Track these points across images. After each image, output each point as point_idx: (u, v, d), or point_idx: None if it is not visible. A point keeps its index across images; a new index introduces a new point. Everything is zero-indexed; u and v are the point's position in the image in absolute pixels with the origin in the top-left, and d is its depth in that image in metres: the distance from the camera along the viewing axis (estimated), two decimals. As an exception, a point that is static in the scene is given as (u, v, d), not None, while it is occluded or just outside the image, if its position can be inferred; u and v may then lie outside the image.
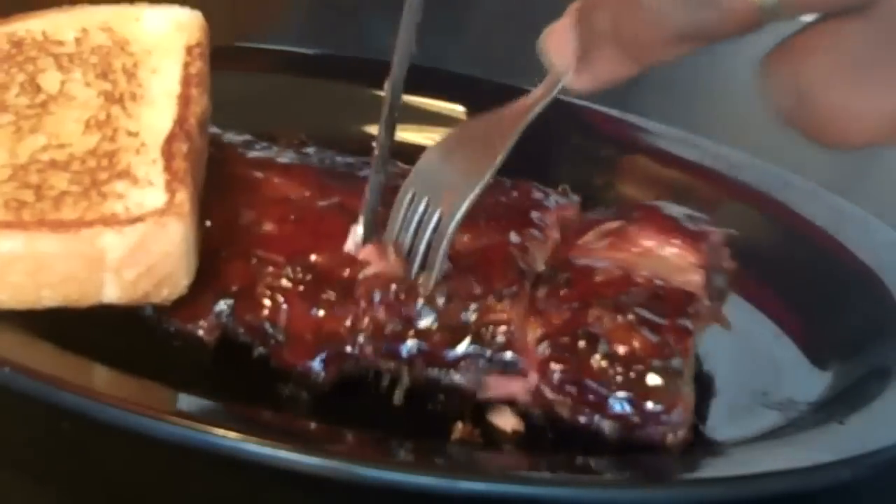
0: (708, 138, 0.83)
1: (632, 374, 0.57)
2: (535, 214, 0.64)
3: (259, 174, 0.65)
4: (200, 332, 0.60)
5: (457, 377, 0.59)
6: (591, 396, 0.57)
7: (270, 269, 0.60)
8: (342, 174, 0.66)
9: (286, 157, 0.67)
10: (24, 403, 0.53)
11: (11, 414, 0.56)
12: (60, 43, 0.64)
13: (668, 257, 0.63)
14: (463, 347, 0.58)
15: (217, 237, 0.61)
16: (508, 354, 0.58)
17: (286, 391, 0.59)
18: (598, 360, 0.57)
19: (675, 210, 0.66)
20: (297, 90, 0.82)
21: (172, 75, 0.63)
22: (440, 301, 0.59)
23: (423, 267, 0.59)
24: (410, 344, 0.59)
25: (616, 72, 0.53)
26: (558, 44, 0.55)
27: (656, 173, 0.79)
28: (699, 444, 0.58)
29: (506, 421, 0.60)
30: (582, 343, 0.58)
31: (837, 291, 0.69)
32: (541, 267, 0.62)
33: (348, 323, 0.59)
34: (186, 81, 0.62)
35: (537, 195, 0.66)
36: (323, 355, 0.59)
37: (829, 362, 0.65)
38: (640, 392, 0.56)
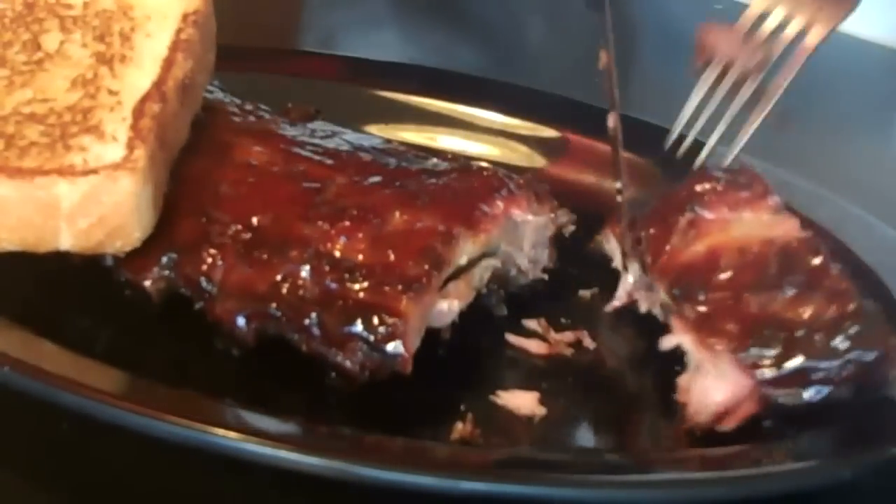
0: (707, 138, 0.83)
1: (841, 335, 0.57)
2: (483, 207, 0.63)
3: (236, 139, 0.66)
4: (147, 283, 0.61)
5: (339, 358, 0.58)
6: (816, 375, 0.57)
7: (217, 227, 0.61)
8: (322, 147, 0.67)
9: (279, 127, 0.68)
10: (24, 403, 0.53)
11: (11, 414, 0.56)
12: (69, 6, 0.66)
13: (749, 218, 0.64)
14: (354, 328, 0.58)
15: (179, 195, 0.62)
16: (390, 346, 0.57)
17: (218, 345, 0.60)
18: (802, 341, 0.57)
19: (718, 174, 0.67)
20: (295, 90, 0.82)
21: (163, 40, 0.65)
22: (346, 275, 0.59)
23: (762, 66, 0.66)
24: (313, 315, 0.59)
25: None
26: None
27: (655, 173, 0.79)
28: (700, 445, 0.58)
29: (525, 405, 0.60)
30: (776, 334, 0.58)
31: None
32: (462, 261, 0.62)
33: (275, 282, 0.59)
34: (174, 46, 0.64)
35: (495, 184, 0.65)
36: (246, 312, 0.59)
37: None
38: (858, 346, 0.57)
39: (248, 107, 0.70)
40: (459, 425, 0.59)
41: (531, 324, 0.65)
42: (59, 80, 0.62)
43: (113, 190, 0.57)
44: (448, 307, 0.61)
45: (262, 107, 0.71)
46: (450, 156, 0.67)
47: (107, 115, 0.60)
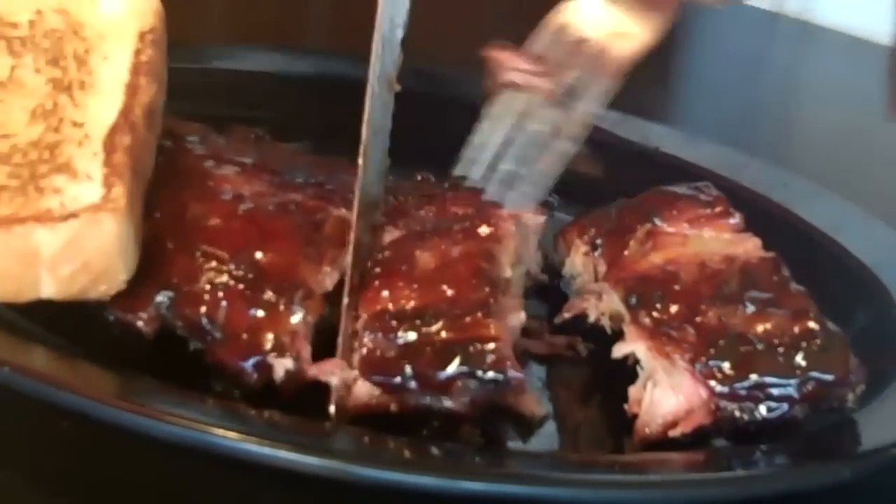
0: (708, 138, 0.83)
1: (802, 353, 0.57)
2: (486, 223, 0.62)
3: (213, 167, 0.64)
4: (140, 324, 0.58)
5: (447, 403, 0.56)
6: (772, 391, 0.56)
7: (214, 264, 0.59)
8: (303, 173, 0.65)
9: (241, 152, 0.66)
10: (24, 403, 0.53)
11: (11, 414, 0.56)
12: (14, 25, 0.62)
13: (710, 236, 0.64)
14: (453, 368, 0.55)
15: (164, 229, 0.60)
16: (501, 372, 0.55)
17: (218, 388, 0.57)
18: (761, 356, 0.57)
19: (680, 189, 0.67)
20: (296, 88, 0.82)
21: (122, 63, 0.61)
22: (418, 321, 0.57)
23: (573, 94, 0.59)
24: (406, 371, 0.56)
25: None
26: None
27: (655, 173, 0.79)
28: (700, 444, 0.58)
29: (530, 406, 0.60)
30: (735, 347, 0.57)
31: (837, 291, 0.69)
32: (508, 273, 0.61)
33: (290, 328, 0.57)
34: (136, 70, 0.61)
35: (481, 201, 0.64)
36: (257, 359, 0.57)
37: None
38: (816, 366, 0.56)
39: (199, 129, 0.68)
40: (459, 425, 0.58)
41: (533, 324, 0.65)
42: (17, 112, 0.58)
43: (96, 233, 0.54)
44: (517, 320, 0.61)
45: (209, 129, 0.69)
46: (419, 177, 0.67)
47: (76, 151, 0.56)
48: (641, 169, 0.78)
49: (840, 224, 0.73)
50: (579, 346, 0.65)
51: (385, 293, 0.58)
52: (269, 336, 0.57)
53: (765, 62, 1.04)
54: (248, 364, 0.57)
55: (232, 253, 0.59)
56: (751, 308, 0.58)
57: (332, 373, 0.57)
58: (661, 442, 0.58)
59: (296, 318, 0.58)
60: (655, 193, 0.67)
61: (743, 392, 0.56)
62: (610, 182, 0.77)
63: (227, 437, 0.50)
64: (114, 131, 0.58)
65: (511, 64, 0.60)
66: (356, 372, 0.57)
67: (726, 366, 0.57)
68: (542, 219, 0.67)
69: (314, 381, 0.57)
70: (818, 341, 0.57)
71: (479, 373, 0.55)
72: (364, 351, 0.57)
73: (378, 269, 0.60)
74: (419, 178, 0.67)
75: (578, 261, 0.67)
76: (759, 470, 0.55)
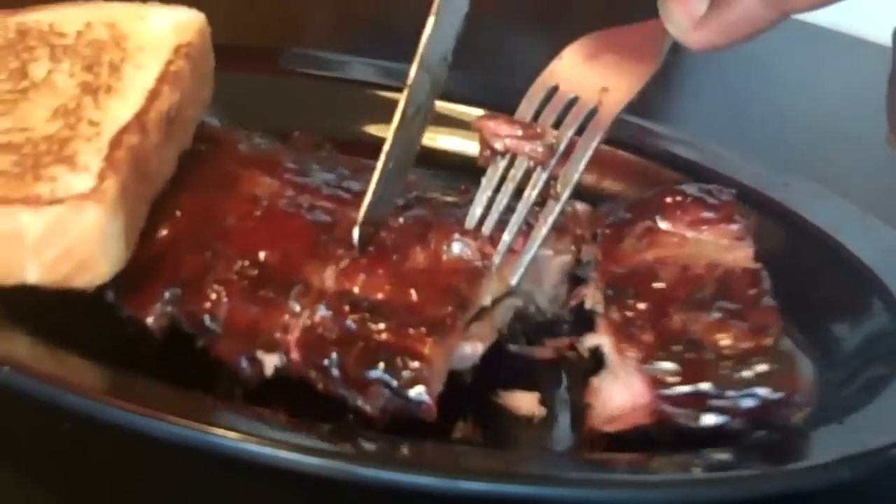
0: (708, 138, 0.83)
1: (748, 369, 0.56)
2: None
3: (242, 170, 0.64)
4: (149, 320, 0.59)
5: (360, 401, 0.56)
6: (714, 402, 0.57)
7: (222, 262, 0.60)
8: (329, 179, 0.65)
9: (285, 158, 0.66)
10: (24, 403, 0.53)
11: (11, 414, 0.56)
12: (62, 35, 0.65)
13: (708, 239, 0.64)
14: (376, 372, 0.56)
15: (181, 229, 0.61)
16: (413, 391, 0.55)
17: (222, 385, 0.58)
18: (708, 365, 0.57)
19: (691, 189, 0.67)
20: (295, 90, 0.82)
21: (152, 72, 0.63)
22: (367, 314, 0.57)
23: (566, 154, 0.59)
24: (333, 356, 0.57)
25: (751, 19, 0.53)
26: None
27: (656, 174, 0.79)
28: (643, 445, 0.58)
29: (525, 405, 0.59)
30: (685, 353, 0.57)
31: (837, 291, 0.69)
32: (486, 301, 0.60)
33: (283, 323, 0.58)
34: (161, 78, 0.62)
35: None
36: (249, 354, 0.58)
37: (829, 362, 0.65)
38: (761, 383, 0.56)
39: (252, 137, 0.69)
40: (460, 425, 0.59)
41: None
42: (41, 110, 0.60)
43: (79, 221, 0.55)
44: (471, 350, 0.60)
45: (264, 137, 0.69)
46: (462, 187, 0.66)
47: (84, 146, 0.58)
48: (641, 169, 0.78)
49: (840, 224, 0.73)
50: (580, 345, 0.65)
51: (362, 276, 0.59)
52: (263, 332, 0.58)
53: (765, 62, 1.04)
54: (242, 359, 0.58)
55: (240, 251, 0.60)
56: (715, 315, 0.59)
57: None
58: (631, 439, 0.58)
59: (290, 314, 0.58)
60: (665, 191, 0.67)
61: (685, 398, 0.57)
62: (610, 183, 0.77)
63: (227, 437, 0.50)
64: (123, 130, 0.59)
65: (500, 131, 0.61)
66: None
67: (674, 370, 0.57)
68: (566, 257, 0.66)
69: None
70: (768, 359, 0.57)
71: (395, 384, 0.56)
72: (308, 322, 0.57)
73: (372, 249, 0.60)
74: (462, 187, 0.66)
75: (588, 248, 0.68)
76: (759, 470, 0.55)
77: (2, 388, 0.53)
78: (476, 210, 0.61)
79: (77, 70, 0.63)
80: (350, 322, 0.57)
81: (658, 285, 0.61)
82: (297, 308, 0.58)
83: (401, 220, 0.62)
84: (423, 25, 0.60)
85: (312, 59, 0.87)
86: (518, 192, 0.61)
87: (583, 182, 0.60)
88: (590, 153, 0.59)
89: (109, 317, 0.60)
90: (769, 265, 0.63)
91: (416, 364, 0.56)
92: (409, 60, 0.60)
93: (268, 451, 0.50)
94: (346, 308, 0.58)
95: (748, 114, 1.02)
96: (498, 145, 0.61)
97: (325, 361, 0.57)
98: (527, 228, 0.60)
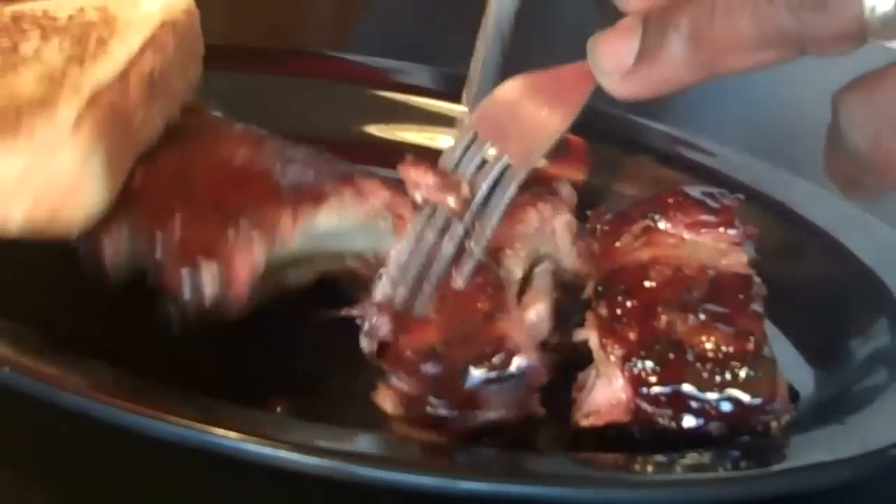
0: (708, 138, 0.83)
1: (727, 373, 0.57)
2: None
3: (227, 143, 0.66)
4: (106, 254, 0.60)
5: (480, 416, 0.57)
6: (692, 403, 0.57)
7: (179, 202, 0.61)
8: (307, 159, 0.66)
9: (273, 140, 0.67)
10: (24, 403, 0.53)
11: (11, 414, 0.56)
12: (55, 19, 0.67)
13: (705, 242, 0.63)
14: (478, 376, 0.56)
15: (156, 182, 0.62)
16: (514, 367, 0.56)
17: (223, 385, 0.58)
18: (688, 367, 0.57)
19: (693, 192, 0.67)
20: (295, 90, 0.82)
21: (137, 42, 0.65)
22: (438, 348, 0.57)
23: (484, 205, 0.59)
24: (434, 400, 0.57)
25: (679, 77, 0.53)
26: (614, 45, 0.55)
27: (656, 174, 0.79)
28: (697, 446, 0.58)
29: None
30: (667, 353, 0.57)
31: (837, 291, 0.69)
32: (518, 274, 0.61)
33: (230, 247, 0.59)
34: (145, 45, 0.65)
35: None
36: (188, 272, 0.59)
37: (829, 362, 0.65)
38: (739, 388, 0.56)
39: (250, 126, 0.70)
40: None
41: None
42: (28, 79, 0.62)
43: (55, 163, 0.57)
44: (536, 314, 0.61)
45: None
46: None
47: (65, 102, 0.60)
48: (641, 169, 0.78)
49: (840, 224, 0.73)
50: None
51: (404, 340, 0.59)
52: (211, 251, 0.59)
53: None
54: (183, 281, 0.59)
55: (202, 192, 0.61)
56: (701, 318, 0.59)
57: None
58: (613, 436, 0.58)
59: (239, 246, 0.59)
60: (667, 192, 0.67)
61: (663, 398, 0.57)
62: (610, 183, 0.78)
63: (227, 437, 0.50)
64: (104, 87, 0.61)
65: (419, 181, 0.61)
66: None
67: (654, 370, 0.57)
68: (564, 216, 0.66)
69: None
70: (748, 364, 0.57)
71: (496, 373, 0.56)
72: (404, 398, 0.57)
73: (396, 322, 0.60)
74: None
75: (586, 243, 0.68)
76: (759, 470, 0.55)
77: (2, 388, 0.53)
78: (396, 260, 0.61)
79: (66, 45, 0.65)
80: (426, 367, 0.57)
81: (649, 284, 0.61)
82: (249, 242, 0.59)
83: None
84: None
85: (312, 59, 0.88)
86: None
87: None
88: (500, 209, 0.59)
89: (110, 317, 0.60)
90: (769, 265, 0.64)
91: (501, 345, 0.57)
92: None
93: (268, 451, 0.50)
94: (416, 360, 0.58)
95: (748, 114, 1.02)
96: (417, 196, 0.61)
97: (430, 409, 0.57)
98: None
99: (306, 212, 0.62)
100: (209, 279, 0.59)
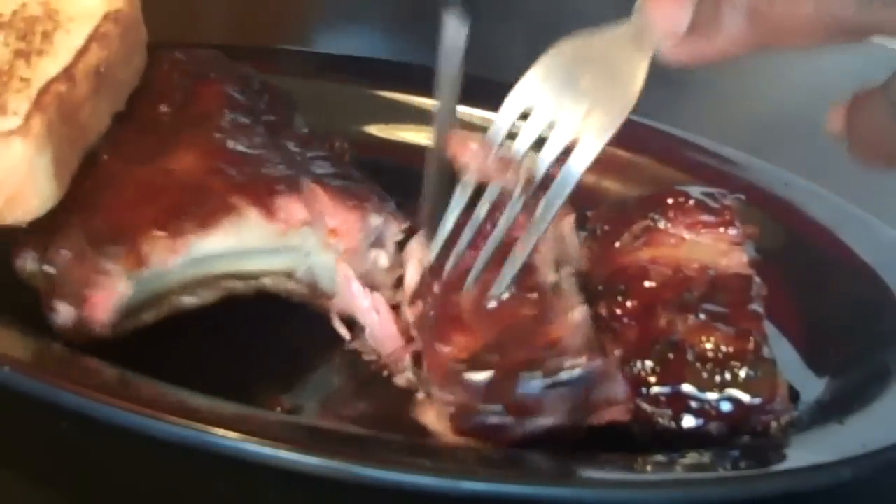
0: (708, 138, 0.83)
1: (727, 373, 0.57)
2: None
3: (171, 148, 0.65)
4: (17, 263, 0.61)
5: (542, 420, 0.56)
6: (692, 403, 0.57)
7: (76, 215, 0.60)
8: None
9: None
10: (24, 403, 0.53)
11: (11, 414, 0.56)
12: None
13: (705, 242, 0.63)
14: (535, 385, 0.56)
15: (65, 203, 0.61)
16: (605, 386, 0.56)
17: (222, 385, 0.57)
18: (688, 367, 0.57)
19: (693, 192, 0.67)
20: (295, 90, 0.82)
21: (81, 35, 0.66)
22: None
23: (543, 187, 0.57)
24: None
25: (730, 50, 0.52)
26: (667, 10, 0.53)
27: (656, 174, 0.79)
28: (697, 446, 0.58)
29: None
30: (666, 353, 0.57)
31: (837, 291, 0.69)
32: (551, 278, 0.61)
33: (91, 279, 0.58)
34: (90, 38, 0.65)
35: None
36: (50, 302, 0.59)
37: (829, 362, 0.65)
38: (739, 388, 0.56)
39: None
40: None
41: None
42: None
43: (6, 155, 0.58)
44: (580, 316, 0.60)
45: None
46: None
47: (14, 97, 0.61)
48: (641, 169, 0.78)
49: (840, 224, 0.73)
50: None
51: (445, 349, 0.58)
52: (71, 282, 0.59)
53: (766, 62, 1.04)
54: (52, 307, 0.59)
55: (91, 218, 0.61)
56: (701, 318, 0.59)
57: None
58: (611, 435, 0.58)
59: (102, 271, 0.59)
60: (668, 192, 0.67)
61: (663, 398, 0.57)
62: (610, 183, 0.78)
63: (227, 437, 0.50)
64: (52, 81, 0.62)
65: (475, 159, 0.60)
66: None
67: (654, 370, 0.57)
68: (570, 217, 0.66)
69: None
70: (747, 364, 0.57)
71: (561, 377, 0.56)
72: (451, 410, 0.56)
73: (431, 325, 0.60)
74: None
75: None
76: (759, 470, 0.55)
77: (2, 388, 0.53)
78: (447, 227, 0.60)
79: (11, 40, 0.66)
80: (477, 376, 0.56)
81: (648, 284, 0.61)
82: (112, 267, 0.59)
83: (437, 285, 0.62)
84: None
85: (312, 59, 0.88)
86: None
87: (583, 182, 0.60)
88: (567, 191, 0.58)
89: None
90: (769, 265, 0.63)
91: (558, 347, 0.56)
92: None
93: (268, 451, 0.50)
94: (463, 370, 0.57)
95: (749, 113, 1.02)
96: (478, 173, 0.60)
97: (488, 419, 0.56)
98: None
99: (189, 239, 0.61)
100: (66, 314, 0.59)
